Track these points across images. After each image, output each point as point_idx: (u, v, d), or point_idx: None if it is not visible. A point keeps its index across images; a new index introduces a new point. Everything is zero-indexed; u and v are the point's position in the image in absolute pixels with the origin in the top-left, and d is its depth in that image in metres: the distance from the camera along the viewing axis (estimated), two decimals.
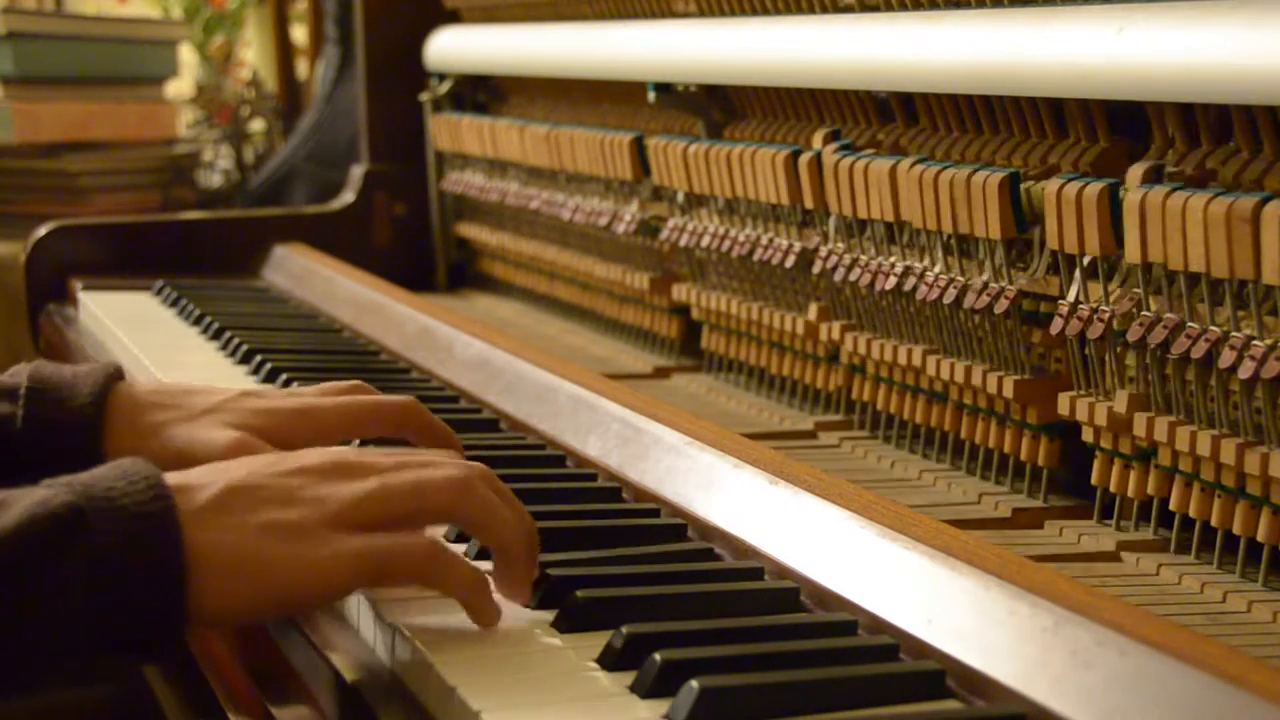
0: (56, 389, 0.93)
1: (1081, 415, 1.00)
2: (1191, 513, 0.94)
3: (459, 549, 0.87)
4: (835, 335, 1.24)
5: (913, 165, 1.12)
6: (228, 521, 0.74)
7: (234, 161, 2.94)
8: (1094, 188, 0.95)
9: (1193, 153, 0.95)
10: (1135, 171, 0.94)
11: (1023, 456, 1.08)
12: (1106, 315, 0.96)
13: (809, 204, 1.24)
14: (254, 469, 0.78)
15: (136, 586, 0.69)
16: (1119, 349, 0.97)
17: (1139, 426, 0.95)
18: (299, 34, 3.38)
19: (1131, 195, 0.91)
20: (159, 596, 0.70)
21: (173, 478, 0.75)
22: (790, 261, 1.27)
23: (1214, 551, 0.93)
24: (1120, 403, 0.96)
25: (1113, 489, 1.00)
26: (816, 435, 1.25)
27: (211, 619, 0.74)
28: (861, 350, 1.21)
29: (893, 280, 1.15)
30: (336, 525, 0.76)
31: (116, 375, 0.96)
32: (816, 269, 1.24)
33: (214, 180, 2.90)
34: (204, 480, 0.76)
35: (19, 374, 0.94)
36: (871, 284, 1.17)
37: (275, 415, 0.94)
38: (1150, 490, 0.97)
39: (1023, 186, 1.04)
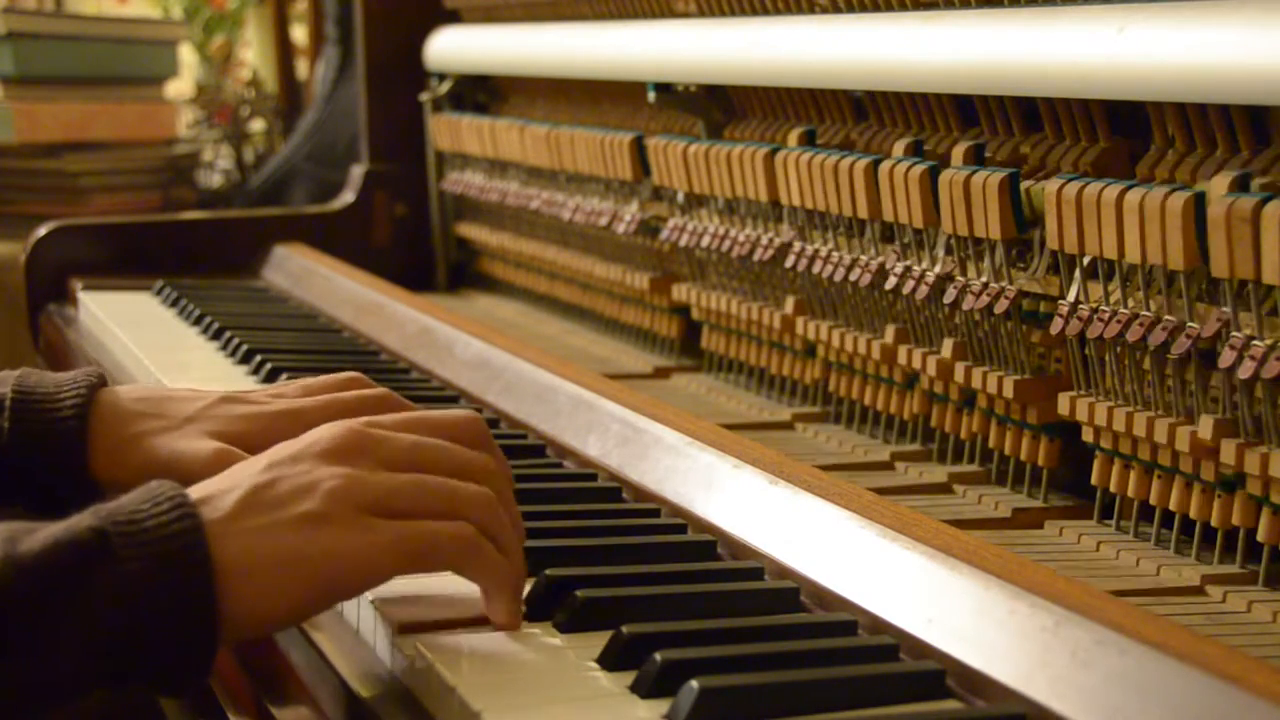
0: (40, 400, 0.93)
1: (1081, 415, 1.00)
2: (1192, 513, 0.94)
3: None
4: (820, 334, 1.24)
5: (911, 166, 1.12)
6: (257, 523, 0.73)
7: (234, 161, 2.94)
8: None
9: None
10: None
11: (1023, 456, 1.08)
12: (1123, 318, 0.96)
13: (808, 204, 1.24)
14: (274, 460, 0.77)
15: (166, 608, 0.69)
16: (1137, 353, 0.97)
17: (1139, 427, 0.95)
18: (299, 34, 3.38)
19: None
20: (189, 616, 0.69)
21: (196, 490, 0.74)
22: (791, 261, 1.27)
23: (1214, 551, 0.93)
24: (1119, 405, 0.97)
25: (1112, 489, 1.00)
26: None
27: (256, 626, 0.74)
28: (862, 351, 1.21)
29: (892, 280, 1.15)
30: (368, 509, 0.76)
31: (100, 383, 0.96)
32: (817, 269, 1.24)
33: (214, 180, 2.91)
34: (226, 486, 0.75)
35: (4, 382, 0.94)
36: (871, 284, 1.17)
37: (257, 420, 0.94)
38: (1152, 491, 0.97)
39: (1023, 186, 1.04)
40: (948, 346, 1.11)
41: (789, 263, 1.27)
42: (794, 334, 1.30)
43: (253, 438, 0.92)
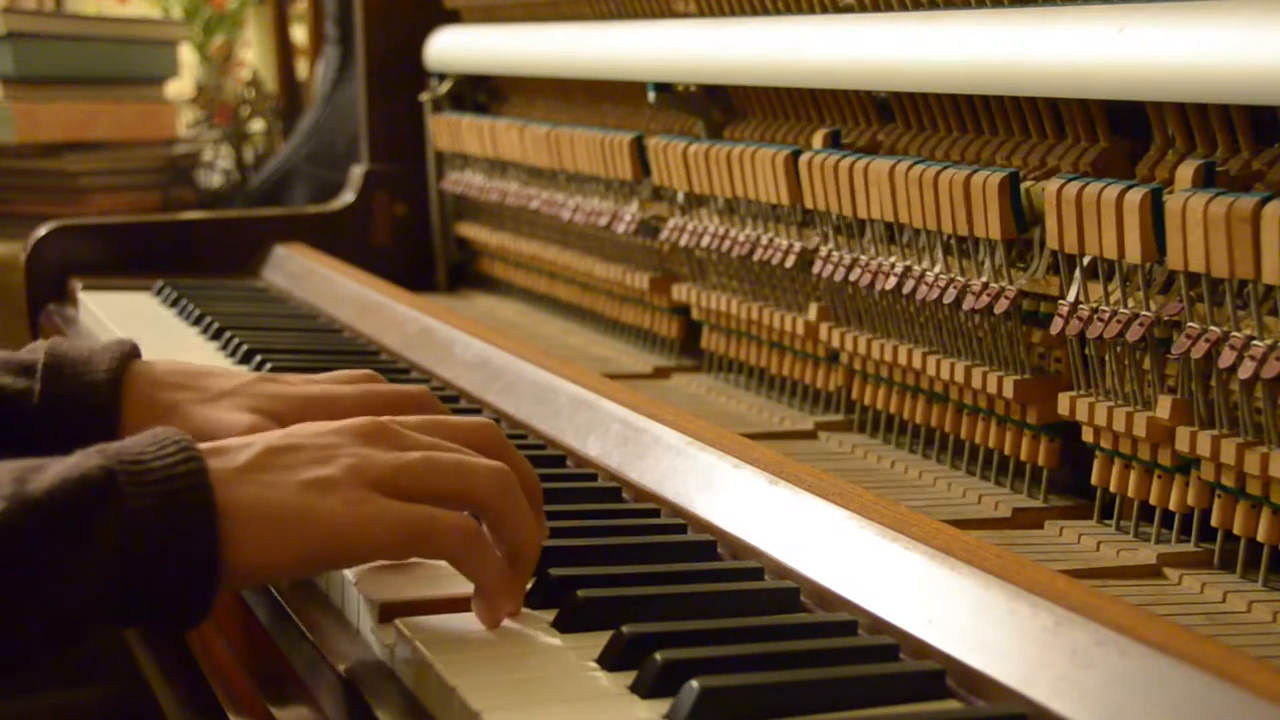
0: (73, 364, 0.94)
1: (1081, 415, 1.00)
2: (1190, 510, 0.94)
3: None
4: (833, 336, 1.24)
5: (911, 166, 1.12)
6: (267, 478, 0.74)
7: (234, 161, 2.94)
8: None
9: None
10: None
11: (1023, 456, 1.08)
12: (1124, 318, 0.96)
13: (809, 204, 1.24)
14: (293, 431, 0.79)
15: (169, 546, 0.69)
16: (1138, 353, 0.97)
17: (1139, 427, 0.95)
18: (299, 34, 3.38)
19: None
20: (192, 554, 0.70)
21: (208, 444, 0.76)
22: (790, 262, 1.27)
23: (1214, 551, 0.93)
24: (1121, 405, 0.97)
25: (1113, 489, 1.00)
26: (816, 435, 1.25)
27: (253, 575, 0.75)
28: (861, 350, 1.21)
29: (893, 280, 1.15)
30: (377, 487, 0.77)
31: (133, 352, 0.97)
32: (817, 269, 1.24)
33: (214, 180, 2.90)
34: (241, 443, 0.77)
35: (37, 349, 0.95)
36: (871, 284, 1.17)
37: (291, 401, 0.95)
38: (1151, 491, 0.97)
39: (1023, 186, 1.04)
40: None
41: (789, 263, 1.27)
42: (794, 334, 1.30)
43: (286, 418, 0.93)
